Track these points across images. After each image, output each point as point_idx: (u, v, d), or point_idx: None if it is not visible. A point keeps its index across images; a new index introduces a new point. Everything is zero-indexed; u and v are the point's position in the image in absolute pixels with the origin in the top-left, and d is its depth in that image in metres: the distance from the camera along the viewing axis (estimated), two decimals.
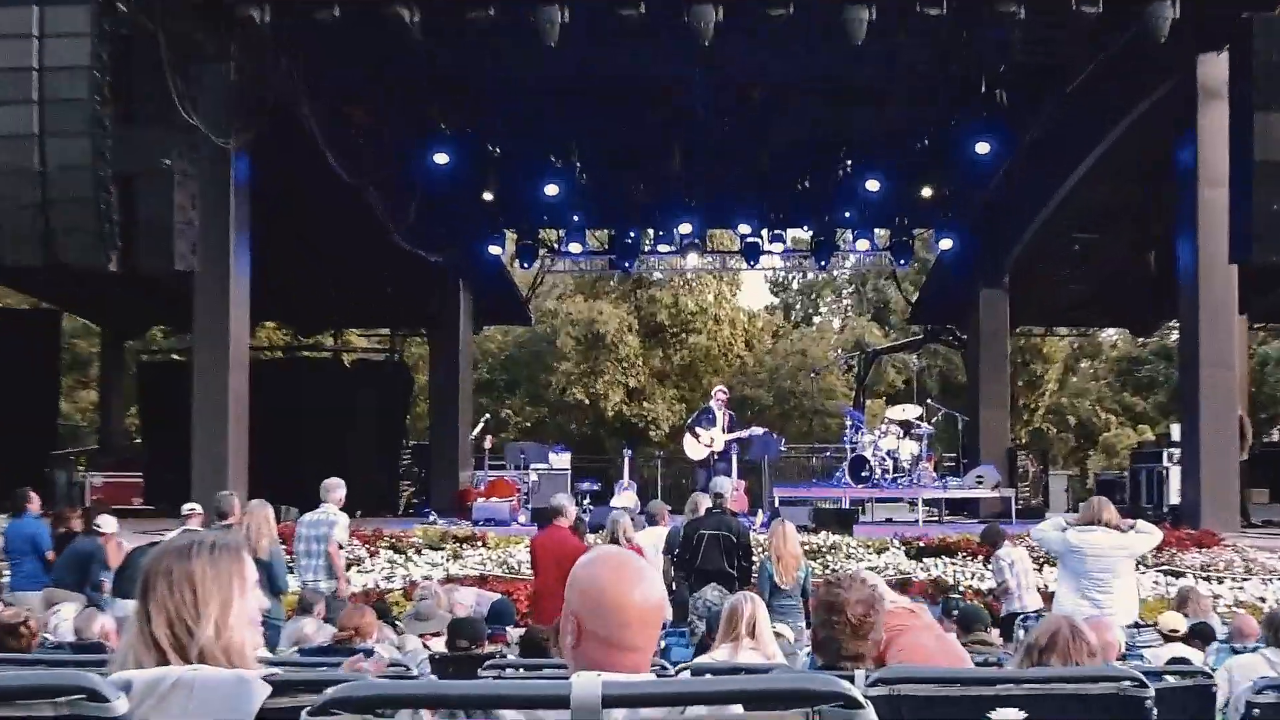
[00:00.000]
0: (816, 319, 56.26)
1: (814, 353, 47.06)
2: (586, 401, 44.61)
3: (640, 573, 3.38)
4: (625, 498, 24.06)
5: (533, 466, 25.35)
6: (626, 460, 25.75)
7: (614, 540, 13.30)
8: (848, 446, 25.47)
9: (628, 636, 3.29)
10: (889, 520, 24.45)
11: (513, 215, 28.70)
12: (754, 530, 16.46)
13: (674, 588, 13.59)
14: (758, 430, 23.82)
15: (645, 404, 45.13)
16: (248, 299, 19.09)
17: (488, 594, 14.53)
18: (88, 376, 42.00)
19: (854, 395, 38.55)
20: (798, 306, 56.56)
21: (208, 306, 18.52)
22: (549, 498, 15.44)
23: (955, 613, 11.16)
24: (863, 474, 24.75)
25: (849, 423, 26.09)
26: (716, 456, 22.94)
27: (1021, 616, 13.69)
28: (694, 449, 23.29)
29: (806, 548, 16.10)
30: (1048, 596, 13.73)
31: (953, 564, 17.27)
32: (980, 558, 16.85)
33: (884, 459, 24.81)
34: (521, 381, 47.60)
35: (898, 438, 25.03)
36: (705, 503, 14.44)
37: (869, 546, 17.90)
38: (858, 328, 49.40)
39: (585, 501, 24.29)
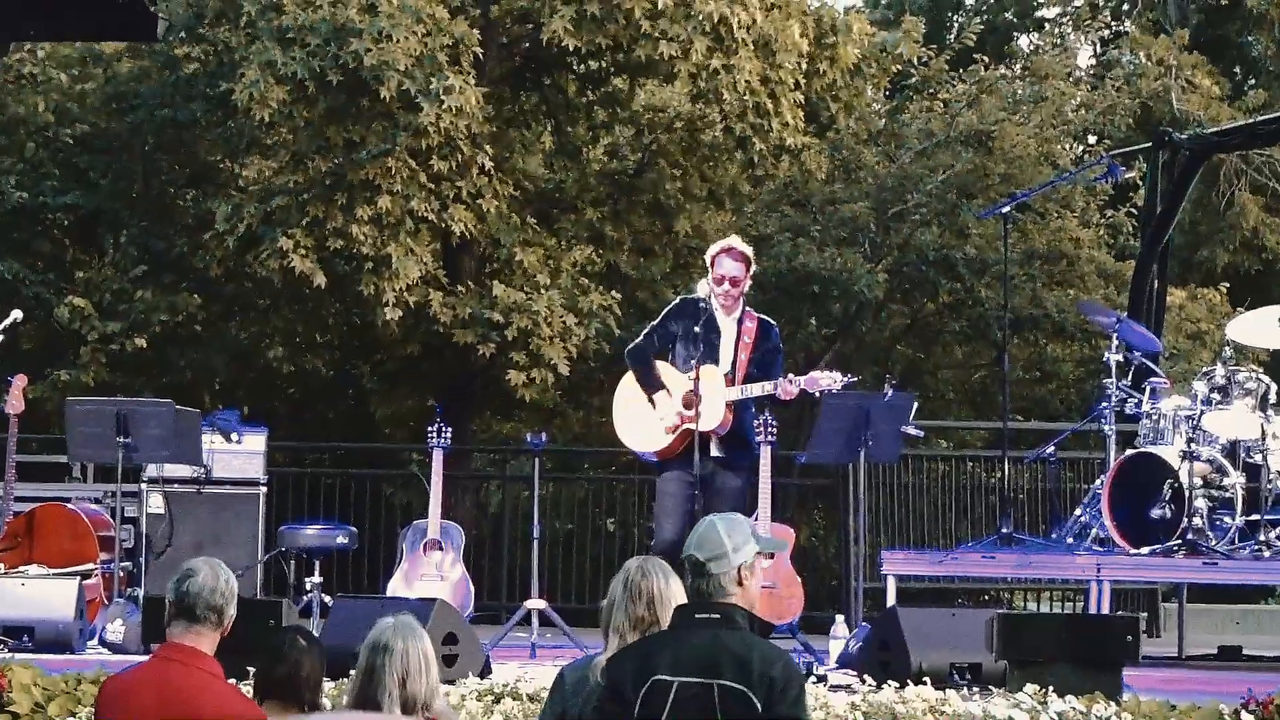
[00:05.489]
0: (1025, 44, 22.42)
1: (1011, 140, 16.43)
2: (321, 280, 13.81)
3: None
4: (430, 571, 10.16)
5: (148, 474, 11.43)
6: (437, 453, 10.42)
7: (366, 701, 4.85)
8: (1107, 431, 11.05)
9: None
10: (1229, 655, 11.72)
11: None
12: (827, 671, 8.41)
13: None
14: (830, 379, 9.29)
15: (500, 288, 14.06)
16: None
17: None
18: None
19: (1133, 285, 14.66)
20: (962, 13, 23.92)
21: None
22: (191, 566, 5.22)
23: None
24: (1154, 513, 10.53)
25: (1114, 357, 11.13)
26: (719, 448, 9.36)
27: None
28: (643, 426, 9.50)
29: None
30: None
31: None
32: None
33: (1220, 474, 10.40)
34: (124, 220, 15.95)
35: (1261, 407, 10.48)
36: (674, 590, 5.27)
37: None
38: (1145, 72, 18.38)
39: (310, 586, 10.93)
